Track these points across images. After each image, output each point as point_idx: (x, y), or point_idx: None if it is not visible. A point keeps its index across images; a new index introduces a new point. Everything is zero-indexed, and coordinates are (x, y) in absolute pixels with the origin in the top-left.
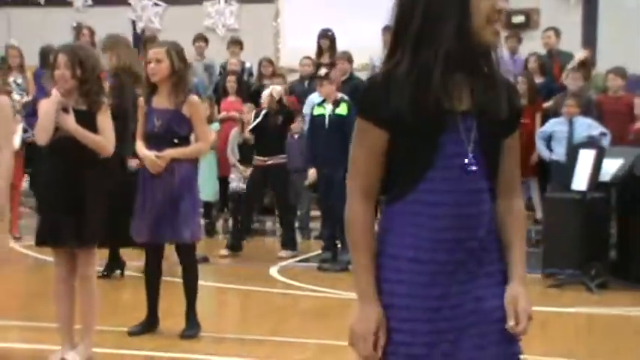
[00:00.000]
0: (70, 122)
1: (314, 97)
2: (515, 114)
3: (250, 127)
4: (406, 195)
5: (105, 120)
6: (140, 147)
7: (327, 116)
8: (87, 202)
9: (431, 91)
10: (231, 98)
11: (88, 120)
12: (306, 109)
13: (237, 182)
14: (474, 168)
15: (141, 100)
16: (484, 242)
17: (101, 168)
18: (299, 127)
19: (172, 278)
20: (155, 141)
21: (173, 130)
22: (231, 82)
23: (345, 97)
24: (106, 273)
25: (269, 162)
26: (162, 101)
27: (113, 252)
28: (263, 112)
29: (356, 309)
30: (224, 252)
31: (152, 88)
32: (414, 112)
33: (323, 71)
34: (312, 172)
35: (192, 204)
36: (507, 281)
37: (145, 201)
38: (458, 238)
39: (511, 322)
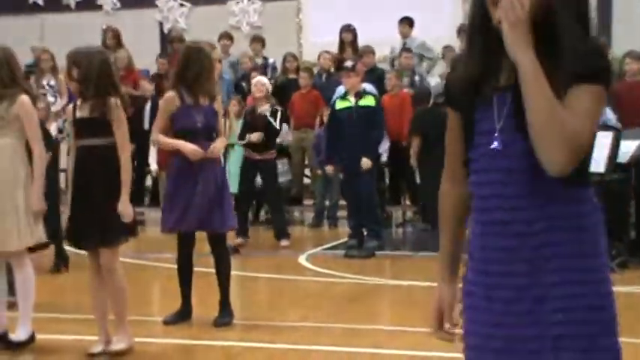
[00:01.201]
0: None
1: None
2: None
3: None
4: (470, 176)
5: (117, 124)
6: (174, 141)
7: (353, 109)
8: (106, 204)
9: (470, 69)
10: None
11: (98, 126)
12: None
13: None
14: (495, 146)
15: (170, 96)
16: (541, 231)
17: (115, 173)
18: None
19: (200, 268)
20: (196, 136)
21: (212, 125)
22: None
23: (368, 89)
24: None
25: (259, 157)
26: (198, 98)
27: (58, 247)
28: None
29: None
30: (239, 240)
31: (190, 86)
32: (457, 90)
33: (349, 63)
34: (329, 170)
35: (229, 193)
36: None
37: (192, 192)
38: (501, 220)
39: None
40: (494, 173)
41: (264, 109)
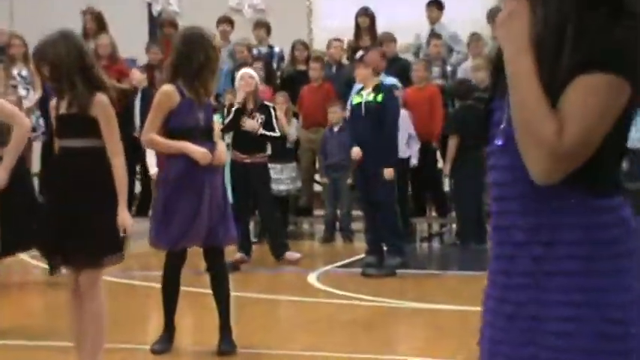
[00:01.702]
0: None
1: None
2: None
3: (223, 125)
4: None
5: (103, 121)
6: (176, 142)
7: (363, 104)
8: (92, 217)
9: (495, 52)
10: (260, 87)
11: (79, 124)
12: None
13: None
14: (497, 141)
15: (169, 90)
16: (544, 241)
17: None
18: (339, 117)
19: (190, 288)
20: (198, 137)
21: (211, 125)
22: (257, 70)
23: (386, 83)
24: None
25: (247, 160)
26: (199, 93)
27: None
28: (234, 107)
29: None
30: (239, 256)
31: (191, 78)
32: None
33: (358, 54)
34: (355, 151)
35: (229, 202)
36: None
37: (198, 201)
38: (503, 225)
39: None
40: (499, 172)
41: (251, 125)
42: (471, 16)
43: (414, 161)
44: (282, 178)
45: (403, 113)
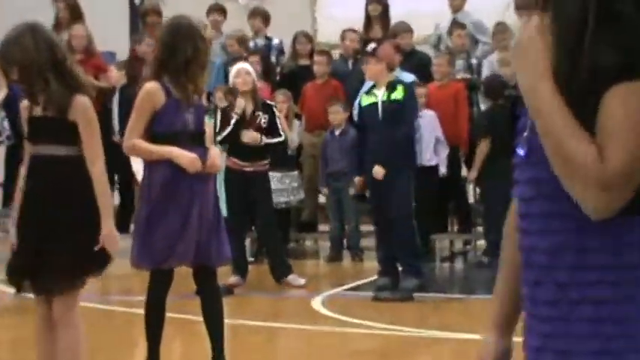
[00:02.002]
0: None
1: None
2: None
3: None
4: None
5: (84, 126)
6: (162, 148)
7: (379, 104)
8: (66, 234)
9: None
10: (259, 84)
11: (56, 129)
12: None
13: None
14: (520, 151)
15: (152, 89)
16: (570, 265)
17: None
18: (341, 118)
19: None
20: (187, 142)
21: (202, 126)
22: (254, 64)
23: (403, 79)
24: None
25: (247, 168)
26: (188, 91)
27: None
28: (233, 119)
29: None
30: (234, 279)
31: (178, 74)
32: None
33: (371, 46)
34: (358, 181)
35: (222, 216)
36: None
37: (186, 215)
38: (524, 245)
39: None
40: (522, 186)
41: (251, 136)
42: (495, 2)
43: (442, 170)
44: (283, 188)
45: (430, 114)
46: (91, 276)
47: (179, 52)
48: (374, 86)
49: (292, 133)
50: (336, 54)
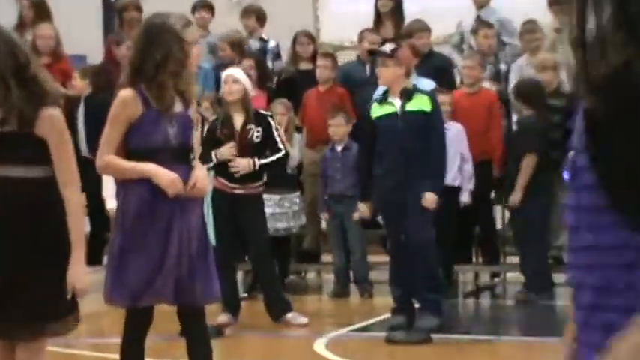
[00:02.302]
0: None
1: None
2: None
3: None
4: None
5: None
6: (139, 165)
7: (397, 116)
8: (33, 271)
9: None
10: (253, 92)
11: (19, 146)
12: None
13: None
14: (565, 174)
15: (126, 97)
16: (615, 303)
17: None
18: (343, 132)
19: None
20: (168, 159)
21: (188, 141)
22: (247, 69)
23: (421, 87)
24: None
25: (238, 191)
26: (166, 101)
27: None
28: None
29: None
30: (224, 318)
31: (151, 81)
32: None
33: (388, 47)
34: (363, 209)
35: (211, 246)
36: None
37: (164, 245)
38: (571, 281)
39: None
40: (569, 213)
41: (243, 166)
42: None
43: (465, 199)
44: (281, 212)
45: (456, 128)
46: (57, 323)
47: (149, 58)
48: (386, 93)
49: (293, 150)
50: (343, 56)
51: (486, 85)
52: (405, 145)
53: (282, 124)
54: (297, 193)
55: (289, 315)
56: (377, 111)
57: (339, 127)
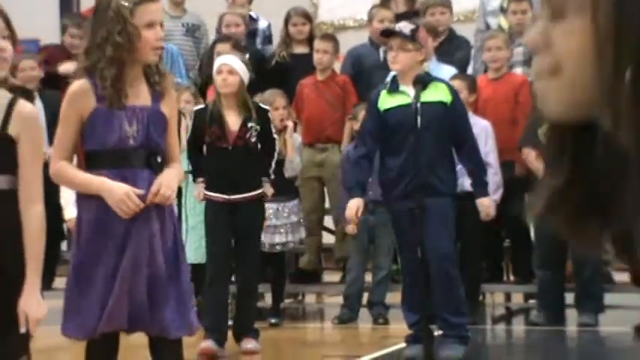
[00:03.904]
0: None
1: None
2: None
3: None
4: None
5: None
6: (86, 178)
7: (412, 108)
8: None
9: None
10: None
11: None
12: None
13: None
14: None
15: (77, 90)
16: None
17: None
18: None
19: None
20: (126, 163)
21: (155, 142)
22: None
23: (440, 75)
24: None
25: (235, 196)
26: (133, 92)
27: None
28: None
29: None
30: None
31: (99, 71)
32: None
33: (404, 26)
34: (350, 225)
35: (187, 268)
36: None
37: (115, 265)
38: None
39: None
40: None
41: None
42: None
43: (490, 211)
44: (279, 224)
45: (483, 124)
46: None
47: (94, 41)
48: (395, 81)
49: (294, 151)
50: (345, 38)
51: (518, 71)
52: (423, 143)
53: (283, 121)
54: (296, 201)
55: (246, 340)
56: (388, 101)
57: None
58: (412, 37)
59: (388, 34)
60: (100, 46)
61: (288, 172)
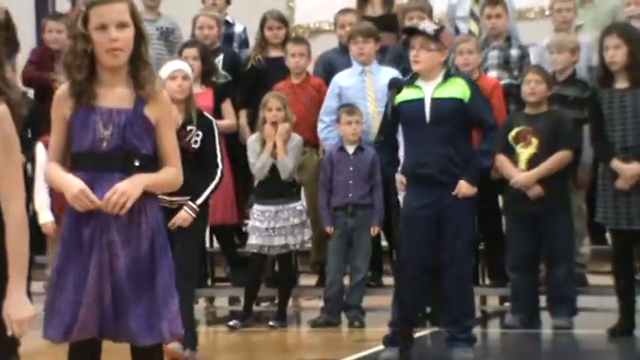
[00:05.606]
0: None
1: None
2: None
3: None
4: None
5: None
6: (58, 175)
7: (427, 103)
8: None
9: None
10: (197, 89)
11: None
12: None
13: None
14: None
15: (59, 93)
16: None
17: None
18: (359, 131)
19: None
20: (98, 166)
21: (132, 145)
22: (189, 61)
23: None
24: None
25: (175, 200)
26: (111, 95)
27: None
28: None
29: None
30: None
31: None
32: None
33: (430, 27)
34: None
35: (170, 274)
36: None
37: (87, 273)
38: None
39: None
40: None
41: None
42: None
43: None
44: (277, 226)
45: None
46: None
47: (69, 46)
48: (414, 77)
49: (287, 155)
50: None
51: (493, 74)
52: (432, 139)
53: (276, 123)
54: (299, 202)
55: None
56: (402, 95)
57: (358, 125)
58: (435, 37)
59: (411, 32)
60: (70, 50)
61: (282, 175)
